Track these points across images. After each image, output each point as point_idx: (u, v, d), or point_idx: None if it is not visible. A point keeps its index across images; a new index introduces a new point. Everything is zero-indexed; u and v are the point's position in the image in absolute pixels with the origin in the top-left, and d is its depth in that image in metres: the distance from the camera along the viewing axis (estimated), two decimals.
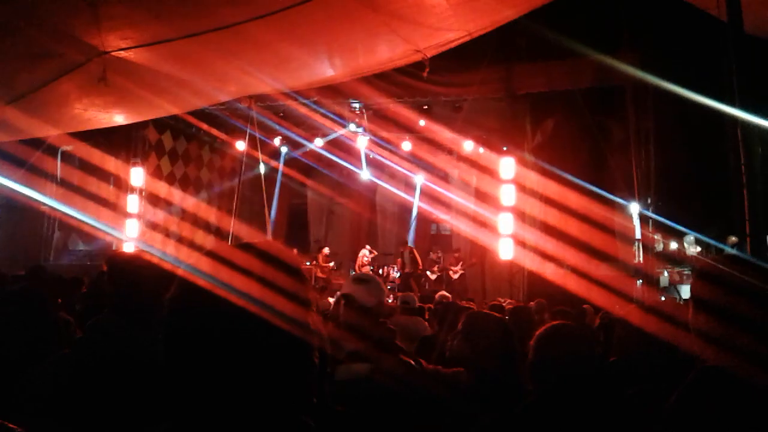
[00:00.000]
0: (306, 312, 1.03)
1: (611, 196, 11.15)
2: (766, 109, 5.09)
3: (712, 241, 10.62)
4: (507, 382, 2.44)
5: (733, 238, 10.08)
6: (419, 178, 15.65)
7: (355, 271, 14.84)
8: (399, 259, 15.04)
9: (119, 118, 9.77)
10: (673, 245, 12.35)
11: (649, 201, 11.05)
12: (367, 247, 15.57)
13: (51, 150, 11.99)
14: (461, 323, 2.75)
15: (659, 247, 11.59)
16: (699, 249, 11.44)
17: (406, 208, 16.73)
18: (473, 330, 2.64)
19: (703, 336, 1.06)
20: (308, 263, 14.81)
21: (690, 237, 12.17)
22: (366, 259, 15.30)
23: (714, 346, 1.01)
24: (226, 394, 0.95)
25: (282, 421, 0.97)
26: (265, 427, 0.96)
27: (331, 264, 15.40)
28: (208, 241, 13.94)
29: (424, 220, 16.77)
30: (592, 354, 2.11)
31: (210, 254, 1.04)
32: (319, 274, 14.72)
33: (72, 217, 11.42)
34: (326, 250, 15.55)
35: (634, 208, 11.19)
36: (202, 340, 0.96)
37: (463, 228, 15.10)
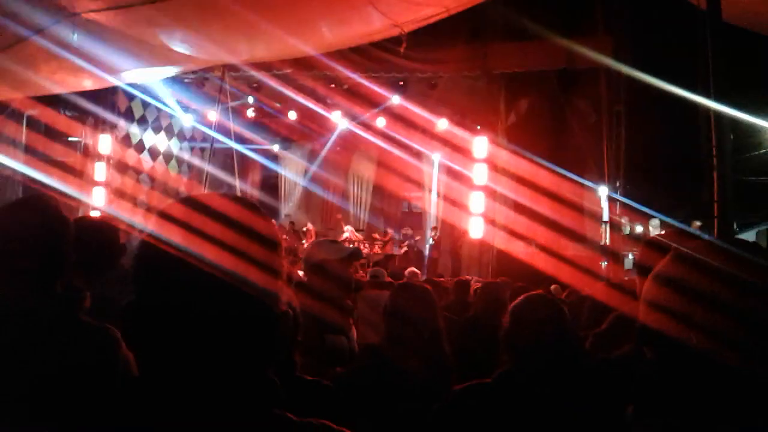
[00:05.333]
0: (275, 280, 1.02)
1: (581, 179, 11.27)
2: (738, 96, 5.18)
3: (678, 225, 10.83)
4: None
5: (697, 223, 10.29)
6: (392, 155, 15.63)
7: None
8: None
9: (88, 83, 9.55)
10: (639, 228, 12.56)
11: (617, 184, 11.20)
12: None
13: (16, 115, 11.67)
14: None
15: (626, 229, 11.79)
16: (663, 232, 11.66)
17: (378, 184, 16.75)
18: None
19: (648, 303, 1.09)
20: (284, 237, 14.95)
21: (655, 221, 12.40)
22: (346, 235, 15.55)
23: (658, 313, 1.04)
24: (191, 356, 0.95)
25: (247, 381, 0.98)
26: (229, 386, 0.96)
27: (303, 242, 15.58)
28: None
29: (395, 197, 16.81)
30: (566, 323, 2.15)
31: (175, 210, 1.01)
32: (290, 246, 14.79)
33: (37, 183, 11.18)
34: (310, 226, 15.80)
35: (603, 190, 11.34)
36: (166, 304, 0.96)
37: (435, 206, 15.21)
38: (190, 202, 1.02)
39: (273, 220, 1.08)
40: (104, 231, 2.65)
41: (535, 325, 2.09)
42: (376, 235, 15.94)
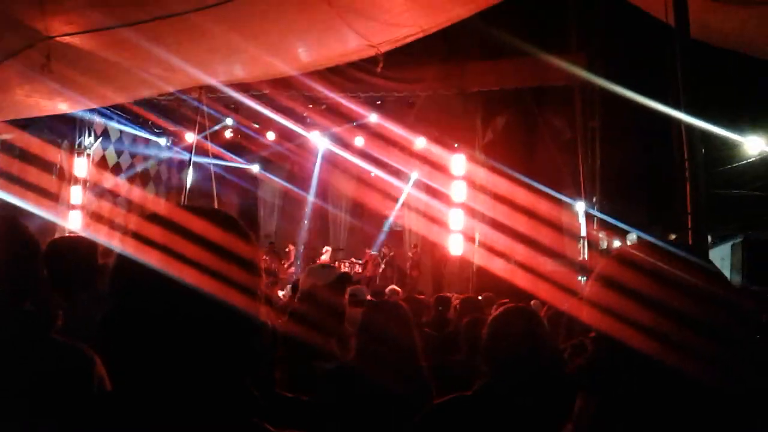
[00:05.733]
0: (252, 301, 1.02)
1: (558, 195, 11.38)
2: (708, 111, 5.29)
3: (654, 240, 10.94)
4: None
5: (673, 236, 10.42)
6: (372, 174, 15.64)
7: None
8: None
9: (63, 106, 9.48)
10: (617, 243, 12.66)
11: (594, 200, 11.32)
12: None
13: None
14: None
15: (603, 244, 11.90)
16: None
17: (357, 203, 16.75)
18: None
19: (599, 308, 1.13)
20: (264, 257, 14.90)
21: (632, 235, 12.52)
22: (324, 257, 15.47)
23: (610, 319, 1.08)
24: (168, 365, 0.95)
25: (225, 390, 0.98)
26: (207, 395, 0.96)
27: (289, 266, 15.49)
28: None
29: (375, 216, 16.81)
30: (544, 334, 2.16)
31: (153, 223, 1.02)
32: (270, 267, 14.72)
33: (12, 207, 11.02)
34: (291, 247, 15.76)
35: (580, 206, 11.44)
36: (143, 314, 0.96)
37: (415, 224, 15.25)
38: (166, 216, 1.02)
39: (251, 234, 1.08)
40: (81, 250, 2.62)
41: (512, 337, 2.10)
42: (354, 259, 15.92)
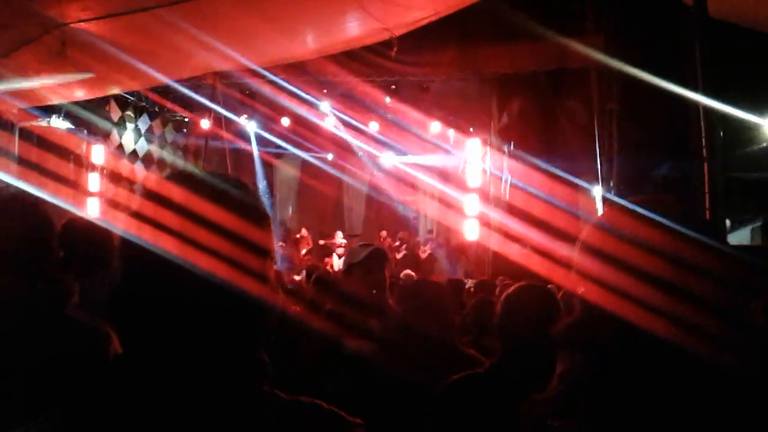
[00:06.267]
0: (263, 286, 1.01)
1: (575, 179, 11.28)
2: (727, 92, 5.21)
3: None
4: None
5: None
6: (386, 158, 15.61)
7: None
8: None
9: (79, 93, 9.55)
10: None
11: (611, 184, 11.21)
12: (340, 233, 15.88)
13: (8, 126, 11.65)
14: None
15: None
16: None
17: (373, 189, 16.75)
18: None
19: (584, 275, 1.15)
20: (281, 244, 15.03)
21: None
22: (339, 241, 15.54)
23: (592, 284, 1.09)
24: (178, 333, 0.95)
25: (236, 358, 0.98)
26: (218, 363, 0.96)
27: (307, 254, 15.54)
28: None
29: (390, 200, 16.80)
30: (558, 311, 2.15)
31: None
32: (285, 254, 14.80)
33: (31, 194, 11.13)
34: (305, 232, 15.78)
35: (597, 190, 11.34)
36: (152, 283, 0.96)
37: (430, 208, 15.21)
38: (166, 191, 1.02)
39: (261, 205, 1.06)
40: (96, 231, 2.64)
41: (526, 312, 2.09)
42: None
